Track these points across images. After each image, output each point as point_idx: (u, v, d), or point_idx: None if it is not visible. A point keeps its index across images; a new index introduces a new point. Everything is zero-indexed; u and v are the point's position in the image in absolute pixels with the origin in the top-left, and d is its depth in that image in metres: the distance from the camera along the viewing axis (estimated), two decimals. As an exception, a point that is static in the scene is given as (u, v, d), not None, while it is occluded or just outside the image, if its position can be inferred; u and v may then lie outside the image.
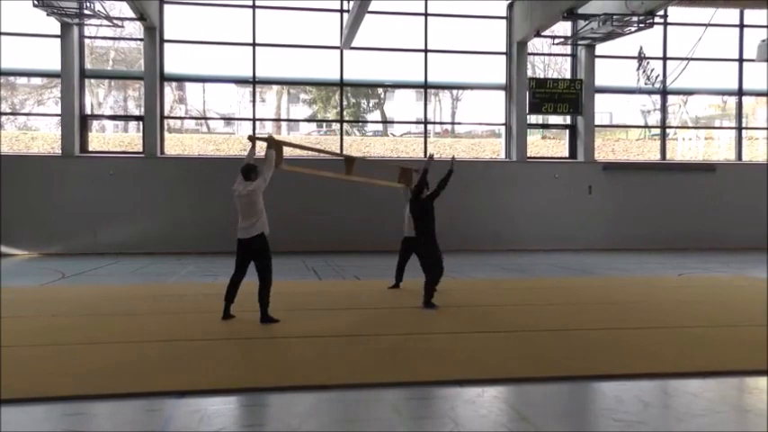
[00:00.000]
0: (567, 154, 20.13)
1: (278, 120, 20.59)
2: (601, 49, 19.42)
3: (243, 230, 7.60)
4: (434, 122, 20.87)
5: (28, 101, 19.34)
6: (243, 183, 7.63)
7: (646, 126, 21.61)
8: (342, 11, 18.74)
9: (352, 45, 18.12)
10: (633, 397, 4.84)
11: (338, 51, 18.86)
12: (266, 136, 8.31)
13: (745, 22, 20.42)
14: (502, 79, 19.61)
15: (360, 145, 19.86)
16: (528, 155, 19.41)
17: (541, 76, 20.43)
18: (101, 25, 17.39)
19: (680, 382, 5.27)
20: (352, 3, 17.02)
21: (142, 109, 18.29)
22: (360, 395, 4.92)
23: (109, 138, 19.31)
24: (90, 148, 18.19)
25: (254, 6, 18.57)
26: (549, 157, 20.32)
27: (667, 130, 20.81)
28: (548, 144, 21.11)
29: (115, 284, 11.43)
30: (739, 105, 20.89)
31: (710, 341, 6.62)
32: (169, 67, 18.44)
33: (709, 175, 19.69)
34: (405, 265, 10.05)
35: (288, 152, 11.17)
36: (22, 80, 18.97)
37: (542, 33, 18.87)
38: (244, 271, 7.75)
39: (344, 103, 19.65)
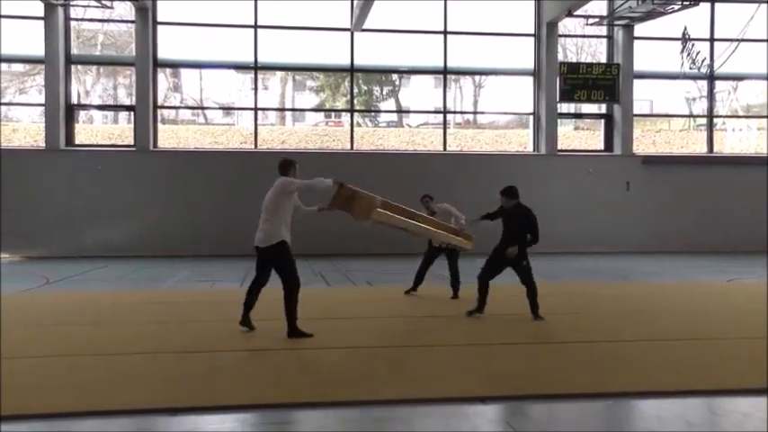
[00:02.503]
0: (602, 146, 20.00)
1: (282, 109, 20.63)
2: (640, 29, 19.27)
3: (257, 236, 7.24)
4: (454, 112, 20.81)
5: (9, 89, 19.52)
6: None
7: (691, 115, 21.41)
8: (352, -11, 18.75)
9: (364, 27, 18.11)
10: (676, 416, 4.79)
11: (348, 34, 18.85)
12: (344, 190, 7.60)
13: (803, -1, 20.18)
14: (530, 64, 19.51)
15: (372, 137, 19.85)
16: (558, 148, 19.30)
17: (574, 61, 20.32)
18: (88, 6, 17.51)
19: (728, 400, 5.21)
20: (363, -20, 17.01)
21: (133, 98, 18.40)
22: (378, 413, 4.88)
23: (97, 129, 19.45)
24: (76, 141, 18.32)
25: (255, -16, 18.61)
26: (582, 149, 20.19)
27: (715, 120, 20.61)
28: (581, 135, 20.99)
29: (103, 290, 11.50)
30: (796, 92, 20.67)
31: (762, 354, 6.52)
32: (163, 52, 18.52)
33: (762, 170, 19.46)
34: (425, 271, 10.21)
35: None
36: (3, 66, 19.10)
37: (574, 13, 18.75)
38: (264, 275, 7.40)
39: (355, 90, 19.65)
